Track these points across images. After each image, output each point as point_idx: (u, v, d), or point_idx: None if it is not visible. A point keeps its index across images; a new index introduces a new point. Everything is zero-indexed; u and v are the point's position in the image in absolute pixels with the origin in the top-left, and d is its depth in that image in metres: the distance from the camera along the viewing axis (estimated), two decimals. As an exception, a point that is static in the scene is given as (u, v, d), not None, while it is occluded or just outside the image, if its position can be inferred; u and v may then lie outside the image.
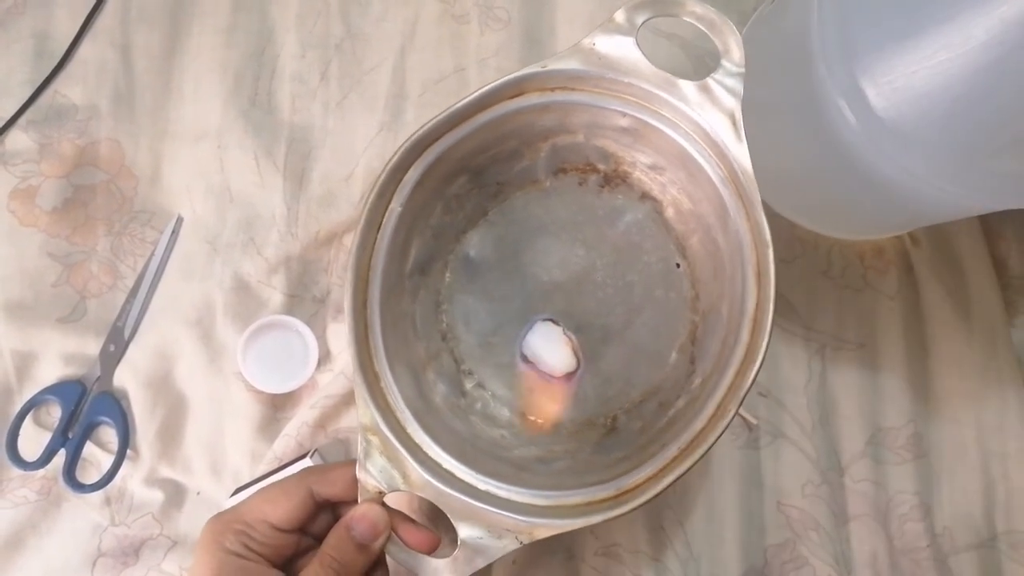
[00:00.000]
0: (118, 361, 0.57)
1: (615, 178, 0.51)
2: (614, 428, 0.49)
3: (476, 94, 0.44)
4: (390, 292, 0.47)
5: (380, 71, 0.59)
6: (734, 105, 0.42)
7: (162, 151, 0.60)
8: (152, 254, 0.58)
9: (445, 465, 0.43)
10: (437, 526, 0.45)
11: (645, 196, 0.51)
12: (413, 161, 0.45)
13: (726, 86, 0.42)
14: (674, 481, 0.39)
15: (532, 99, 0.45)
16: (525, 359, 0.51)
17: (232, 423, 0.57)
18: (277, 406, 0.57)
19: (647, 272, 0.50)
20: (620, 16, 0.43)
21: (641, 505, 0.39)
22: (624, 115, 0.45)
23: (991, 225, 0.55)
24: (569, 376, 0.50)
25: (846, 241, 0.56)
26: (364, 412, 0.43)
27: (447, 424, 0.47)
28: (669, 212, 0.50)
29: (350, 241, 0.57)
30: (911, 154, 0.39)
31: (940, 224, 0.55)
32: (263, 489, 0.43)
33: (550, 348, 0.50)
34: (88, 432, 0.57)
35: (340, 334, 0.57)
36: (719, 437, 0.39)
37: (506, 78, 0.44)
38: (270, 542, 0.41)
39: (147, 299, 0.58)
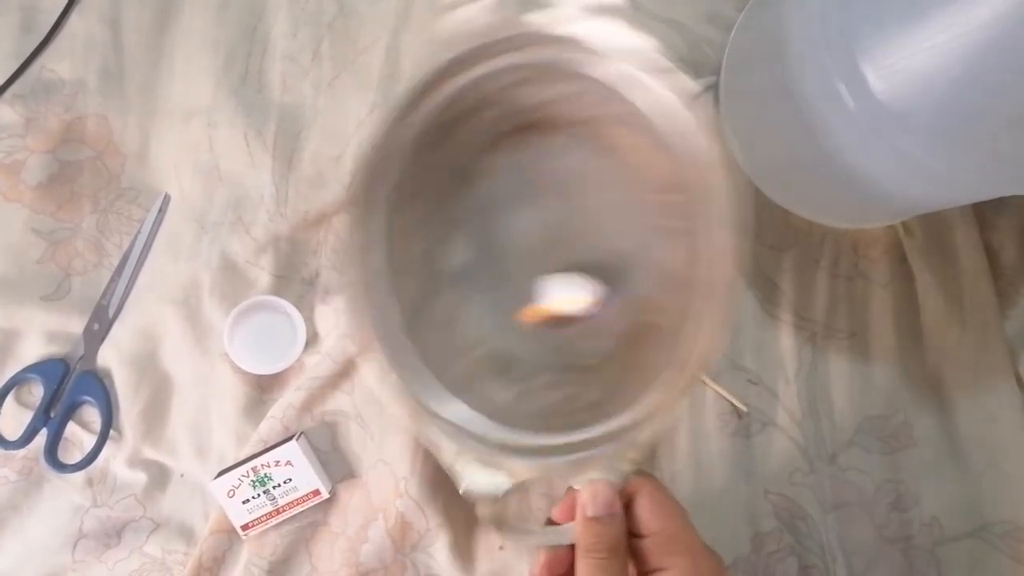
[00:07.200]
0: (102, 340, 0.57)
1: (535, 128, 0.49)
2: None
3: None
4: (412, 322, 0.45)
5: (373, 51, 0.59)
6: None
7: (150, 128, 0.59)
8: (138, 232, 0.57)
9: (536, 442, 0.42)
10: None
11: (569, 126, 0.49)
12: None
13: None
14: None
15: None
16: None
17: (217, 404, 0.56)
18: (263, 388, 0.57)
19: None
20: None
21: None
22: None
23: (985, 215, 0.55)
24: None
25: (839, 230, 0.56)
26: (445, 450, 0.41)
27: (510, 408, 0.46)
28: (588, 127, 0.48)
29: (340, 223, 0.57)
30: (909, 137, 0.38)
31: (934, 214, 0.54)
32: None
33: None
34: (71, 412, 0.56)
35: (328, 316, 0.56)
36: None
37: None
38: None
39: (132, 278, 0.57)
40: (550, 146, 0.50)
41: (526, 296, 0.49)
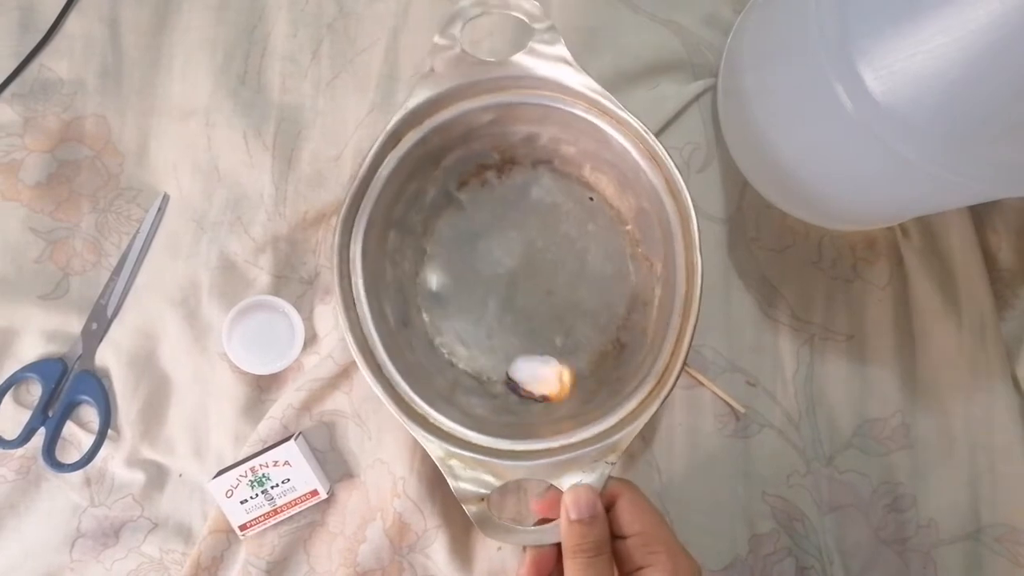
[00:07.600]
0: (100, 339, 0.57)
1: (505, 164, 0.53)
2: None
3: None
4: (393, 342, 0.48)
5: (372, 52, 0.59)
6: (561, 50, 0.46)
7: (149, 128, 0.59)
8: (137, 232, 0.57)
9: (518, 447, 0.45)
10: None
11: (536, 162, 0.53)
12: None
13: (545, 41, 0.46)
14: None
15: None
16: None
17: (216, 404, 0.56)
18: (262, 388, 0.57)
19: (574, 219, 0.54)
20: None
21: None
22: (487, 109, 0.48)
23: (982, 217, 0.55)
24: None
25: (837, 231, 0.56)
26: (434, 449, 0.44)
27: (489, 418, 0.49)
28: (556, 163, 0.53)
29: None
30: (907, 140, 0.39)
31: (931, 216, 0.54)
32: None
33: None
34: (69, 411, 0.56)
35: (327, 316, 0.56)
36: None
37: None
38: None
39: (131, 277, 0.57)
40: (530, 178, 0.54)
41: (499, 321, 0.53)
